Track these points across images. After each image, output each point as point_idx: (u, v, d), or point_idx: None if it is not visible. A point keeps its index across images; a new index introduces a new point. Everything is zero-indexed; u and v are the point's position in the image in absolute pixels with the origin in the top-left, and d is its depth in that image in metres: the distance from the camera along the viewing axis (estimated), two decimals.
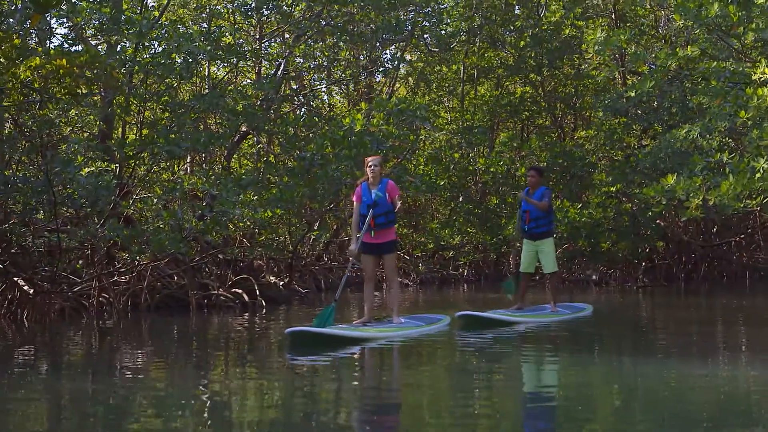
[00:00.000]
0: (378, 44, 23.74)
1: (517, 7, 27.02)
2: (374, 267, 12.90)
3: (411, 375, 9.41)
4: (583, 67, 27.57)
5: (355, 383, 9.01)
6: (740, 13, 13.06)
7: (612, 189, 22.73)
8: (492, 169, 24.80)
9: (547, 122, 29.29)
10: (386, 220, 12.37)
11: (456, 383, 8.95)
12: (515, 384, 8.89)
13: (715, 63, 14.54)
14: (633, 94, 15.67)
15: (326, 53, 22.92)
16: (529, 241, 14.67)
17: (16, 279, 14.81)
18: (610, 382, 8.85)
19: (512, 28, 26.19)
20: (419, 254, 26.95)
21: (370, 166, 12.47)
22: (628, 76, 25.42)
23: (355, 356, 10.82)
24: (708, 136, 15.26)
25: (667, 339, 12.49)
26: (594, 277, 24.11)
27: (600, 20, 26.44)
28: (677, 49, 14.44)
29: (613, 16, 25.83)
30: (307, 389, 8.56)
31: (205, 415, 7.22)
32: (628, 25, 24.97)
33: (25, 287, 14.73)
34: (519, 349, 11.49)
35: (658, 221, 23.41)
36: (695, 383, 8.47)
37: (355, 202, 12.58)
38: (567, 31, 25.48)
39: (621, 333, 13.49)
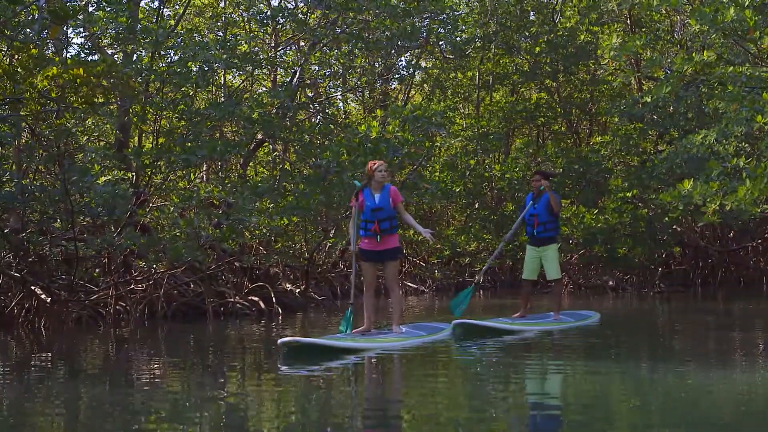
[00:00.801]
0: (393, 51, 23.74)
1: (532, 13, 27.03)
2: (375, 275, 12.61)
3: (409, 387, 9.18)
4: (598, 72, 27.54)
5: (351, 395, 8.82)
6: (756, 18, 13.02)
7: (628, 194, 22.68)
8: (507, 176, 24.78)
9: (562, 128, 29.26)
10: (390, 225, 12.08)
11: (458, 395, 8.75)
12: (519, 396, 8.70)
13: (732, 68, 14.47)
14: (649, 100, 15.63)
15: (341, 61, 22.96)
16: (533, 247, 14.36)
17: (33, 288, 14.86)
18: (621, 390, 8.78)
19: (527, 34, 26.18)
20: (435, 261, 26.93)
21: (380, 171, 12.15)
22: (644, 82, 25.38)
23: (353, 367, 10.49)
24: (724, 141, 15.21)
25: (681, 345, 12.37)
26: (610, 282, 24.05)
27: (615, 26, 26.39)
28: (693, 54, 14.39)
29: (628, 22, 25.80)
30: (301, 401, 8.52)
31: (221, 423, 7.22)
32: (643, 30, 24.92)
33: (43, 296, 14.79)
34: (520, 358, 11.07)
35: (674, 227, 23.36)
36: (712, 389, 8.43)
37: (354, 207, 12.28)
38: (582, 36, 25.48)
39: (630, 340, 13.20)
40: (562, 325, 13.86)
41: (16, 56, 12.96)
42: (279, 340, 11.14)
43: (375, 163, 12.33)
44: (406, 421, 7.41)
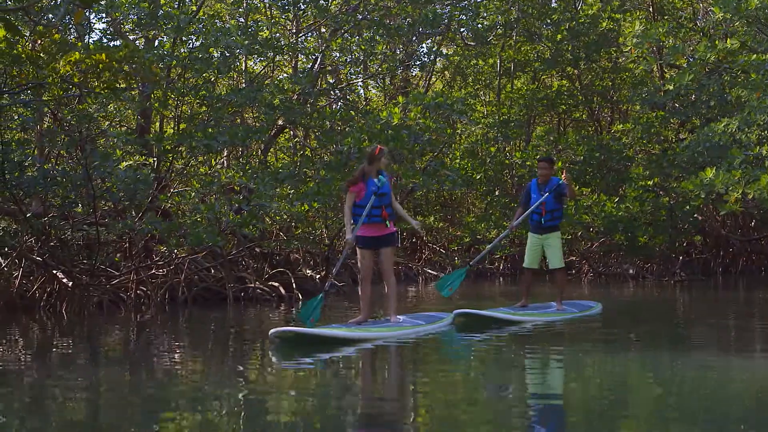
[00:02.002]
0: (414, 38, 23.73)
1: (553, 0, 26.91)
2: (372, 263, 12.06)
3: (407, 380, 8.83)
4: (620, 60, 27.44)
5: (346, 388, 8.40)
6: None
7: (649, 183, 22.63)
8: (528, 163, 24.67)
9: (583, 116, 29.20)
10: (392, 210, 11.73)
11: (461, 388, 8.38)
12: (524, 389, 8.27)
13: (755, 56, 14.39)
14: (672, 88, 15.57)
15: (363, 47, 22.92)
16: (536, 234, 13.92)
17: (55, 272, 14.95)
18: (641, 381, 8.75)
19: (549, 21, 26.06)
20: (455, 248, 26.93)
21: (385, 158, 11.78)
22: (666, 70, 25.28)
23: (345, 358, 10.04)
24: (747, 129, 15.15)
25: (701, 335, 12.17)
26: (631, 271, 24.02)
27: (638, 13, 26.28)
28: (716, 42, 14.33)
29: (650, 9, 25.68)
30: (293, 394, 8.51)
31: (239, 407, 7.25)
32: (666, 17, 24.82)
33: (64, 280, 14.87)
34: (523, 349, 10.74)
35: (695, 215, 23.28)
36: (733, 380, 8.40)
37: (352, 192, 11.64)
38: (604, 24, 25.36)
39: (649, 330, 12.76)
40: (564, 315, 13.43)
41: (39, 41, 13.00)
42: (270, 331, 10.74)
43: (380, 148, 11.90)
44: (407, 415, 7.23)
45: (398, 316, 11.97)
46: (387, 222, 11.67)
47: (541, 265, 14.66)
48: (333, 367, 9.66)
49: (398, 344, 10.94)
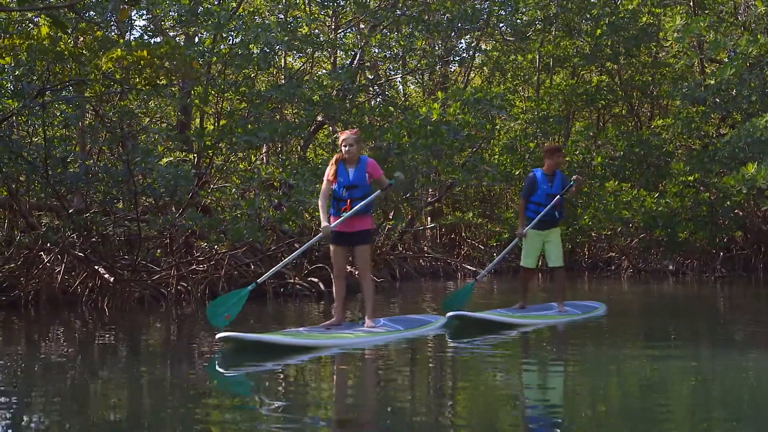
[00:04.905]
0: (453, 33, 23.71)
1: None
2: (345, 260, 11.23)
3: (375, 396, 7.56)
4: (660, 55, 27.29)
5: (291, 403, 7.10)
6: None
7: (690, 178, 22.51)
8: (567, 159, 24.63)
9: (623, 111, 29.10)
10: (365, 206, 10.73)
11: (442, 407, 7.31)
12: (525, 409, 7.00)
13: None
14: (712, 82, 15.46)
15: (402, 43, 22.97)
16: (537, 231, 12.97)
17: (96, 267, 15.08)
18: (680, 379, 8.69)
19: (588, 16, 25.96)
20: (494, 244, 26.90)
21: (345, 146, 10.68)
22: (707, 64, 25.11)
23: (300, 367, 9.00)
24: None
25: (741, 333, 12.12)
26: (671, 267, 23.91)
27: (678, 7, 26.12)
28: (758, 36, 14.21)
29: (691, 3, 25.50)
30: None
31: (278, 401, 7.27)
32: (706, 12, 24.64)
33: (106, 275, 15.00)
34: (520, 358, 9.70)
35: (736, 211, 23.14)
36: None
37: (325, 181, 10.76)
38: (644, 18, 25.24)
39: (689, 327, 12.72)
40: (567, 317, 12.55)
41: (81, 38, 13.12)
42: (217, 335, 9.81)
43: (343, 134, 10.97)
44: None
45: (379, 319, 11.21)
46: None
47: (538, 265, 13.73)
48: (296, 376, 8.68)
49: (370, 352, 9.88)
